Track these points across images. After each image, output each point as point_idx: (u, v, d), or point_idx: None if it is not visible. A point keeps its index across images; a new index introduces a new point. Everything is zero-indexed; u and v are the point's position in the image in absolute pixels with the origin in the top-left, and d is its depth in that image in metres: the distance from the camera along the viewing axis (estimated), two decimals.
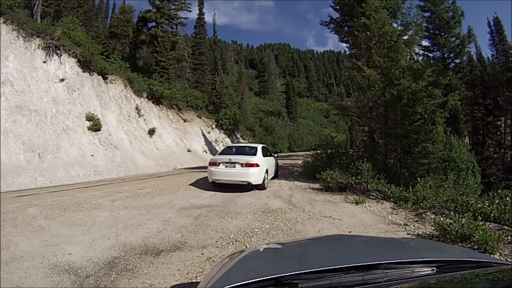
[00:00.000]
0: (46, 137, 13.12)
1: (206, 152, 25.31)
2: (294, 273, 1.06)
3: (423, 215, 6.34)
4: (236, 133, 33.86)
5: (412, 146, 10.74)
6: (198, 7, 33.64)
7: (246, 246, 4.53)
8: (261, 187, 9.09)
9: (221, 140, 29.35)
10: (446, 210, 6.39)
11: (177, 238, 4.92)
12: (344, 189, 8.82)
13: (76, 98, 15.78)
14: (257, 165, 8.77)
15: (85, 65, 17.24)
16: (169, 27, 27.12)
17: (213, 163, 9.01)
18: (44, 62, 15.07)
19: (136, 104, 20.92)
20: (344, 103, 22.59)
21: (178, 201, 7.77)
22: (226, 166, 8.80)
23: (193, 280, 3.45)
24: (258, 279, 1.02)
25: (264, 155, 9.84)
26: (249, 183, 8.75)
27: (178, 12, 27.78)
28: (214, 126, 29.56)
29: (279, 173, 12.87)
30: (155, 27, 25.79)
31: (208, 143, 26.76)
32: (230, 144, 24.59)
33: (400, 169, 10.90)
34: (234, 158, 8.92)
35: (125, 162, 15.97)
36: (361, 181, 8.66)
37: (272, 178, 10.89)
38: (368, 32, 12.13)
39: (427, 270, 1.14)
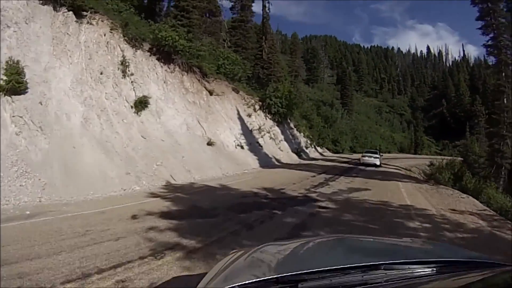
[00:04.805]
0: None
1: (242, 147, 15.46)
2: (294, 273, 1.02)
3: None
4: (289, 120, 23.72)
5: None
6: None
7: None
8: (378, 166, 20.15)
9: (268, 129, 19.33)
10: None
11: None
12: None
13: None
14: (378, 157, 21.05)
15: None
16: None
17: (362, 157, 21.47)
18: None
19: (123, 56, 11.71)
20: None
21: None
22: (368, 157, 20.92)
23: None
24: (258, 279, 0.99)
25: (379, 153, 22.64)
26: (375, 164, 20.02)
27: None
28: (257, 107, 19.63)
29: None
30: None
31: (246, 132, 16.87)
32: (279, 135, 20.83)
33: None
34: (370, 154, 21.55)
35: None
36: None
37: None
38: None
39: (427, 270, 1.08)
